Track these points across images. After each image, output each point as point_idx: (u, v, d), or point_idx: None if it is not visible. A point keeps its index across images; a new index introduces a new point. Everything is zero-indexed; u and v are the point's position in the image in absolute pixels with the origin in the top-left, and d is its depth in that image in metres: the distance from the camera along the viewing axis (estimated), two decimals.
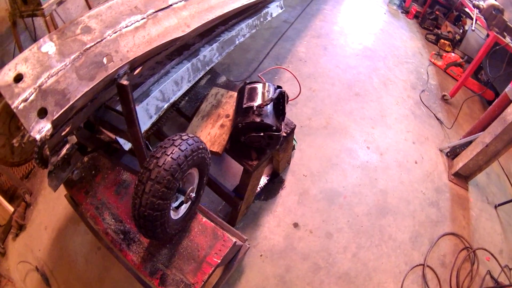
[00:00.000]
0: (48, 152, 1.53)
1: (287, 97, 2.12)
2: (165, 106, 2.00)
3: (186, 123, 2.30)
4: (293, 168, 2.91)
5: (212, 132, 2.12)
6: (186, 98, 2.41)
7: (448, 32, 5.12)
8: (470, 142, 3.09)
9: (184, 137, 1.48)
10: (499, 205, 3.10)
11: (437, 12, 5.43)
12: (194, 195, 1.67)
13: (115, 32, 1.61)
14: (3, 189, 2.67)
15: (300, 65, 3.96)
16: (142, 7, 1.78)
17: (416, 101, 3.92)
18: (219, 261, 1.70)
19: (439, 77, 4.47)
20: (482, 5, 3.96)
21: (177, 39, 1.74)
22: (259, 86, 2.06)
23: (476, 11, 3.95)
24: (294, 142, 2.86)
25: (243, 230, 2.45)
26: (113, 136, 1.74)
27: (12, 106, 1.29)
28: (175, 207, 1.67)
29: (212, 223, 1.82)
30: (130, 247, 1.76)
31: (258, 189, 2.66)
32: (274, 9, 3.16)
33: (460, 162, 3.13)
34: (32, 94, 1.31)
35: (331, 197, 2.78)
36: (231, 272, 2.07)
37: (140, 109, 1.75)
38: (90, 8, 3.21)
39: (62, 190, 2.54)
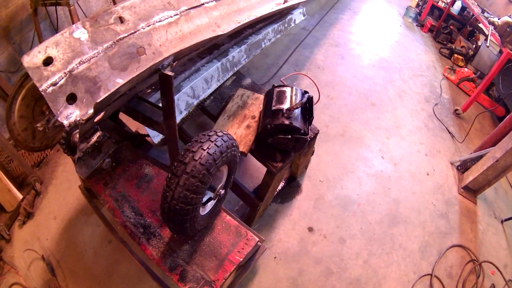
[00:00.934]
0: (76, 139, 1.48)
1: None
2: (195, 102, 2.02)
3: (204, 123, 2.28)
4: (310, 173, 2.97)
5: (238, 132, 2.15)
6: (212, 97, 2.42)
7: (462, 47, 5.16)
8: (481, 157, 3.14)
9: (219, 134, 1.49)
10: (506, 220, 3.15)
11: (451, 27, 5.48)
12: (223, 191, 1.70)
13: (148, 25, 1.61)
14: (13, 176, 2.58)
15: (318, 72, 4.03)
16: (175, 3, 1.80)
17: (429, 114, 3.98)
18: (241, 259, 1.70)
19: (451, 91, 4.53)
20: (497, 22, 4.02)
21: (217, 37, 1.71)
22: (288, 90, 2.10)
23: (491, 27, 4.00)
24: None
25: (259, 231, 2.48)
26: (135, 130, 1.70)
27: (40, 89, 1.25)
28: (203, 203, 1.66)
29: (235, 221, 1.83)
30: (149, 241, 1.71)
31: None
32: (297, 16, 3.22)
33: (470, 176, 3.18)
34: (62, 78, 1.29)
35: (346, 203, 2.83)
36: (247, 272, 2.07)
37: None
38: (115, 3, 3.22)
39: (74, 181, 2.53)
